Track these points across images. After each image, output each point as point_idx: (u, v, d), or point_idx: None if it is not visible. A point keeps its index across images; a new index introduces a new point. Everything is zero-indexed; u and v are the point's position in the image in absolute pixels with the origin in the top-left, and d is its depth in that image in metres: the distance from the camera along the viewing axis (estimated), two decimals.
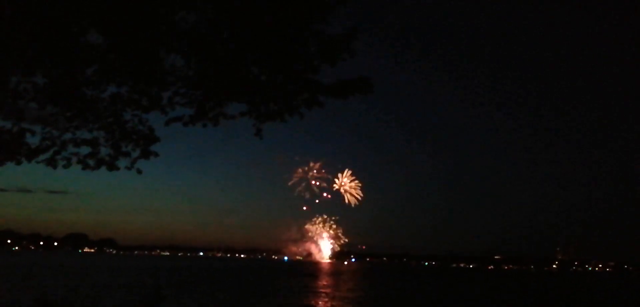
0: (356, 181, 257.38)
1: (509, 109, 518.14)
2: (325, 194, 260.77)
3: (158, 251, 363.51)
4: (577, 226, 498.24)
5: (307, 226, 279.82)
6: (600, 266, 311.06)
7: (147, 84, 6.88)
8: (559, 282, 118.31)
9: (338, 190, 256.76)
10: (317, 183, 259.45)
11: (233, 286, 54.72)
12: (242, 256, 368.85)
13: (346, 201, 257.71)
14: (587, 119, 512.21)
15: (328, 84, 6.79)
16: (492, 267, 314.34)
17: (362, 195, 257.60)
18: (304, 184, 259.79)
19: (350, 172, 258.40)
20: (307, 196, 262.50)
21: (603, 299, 63.73)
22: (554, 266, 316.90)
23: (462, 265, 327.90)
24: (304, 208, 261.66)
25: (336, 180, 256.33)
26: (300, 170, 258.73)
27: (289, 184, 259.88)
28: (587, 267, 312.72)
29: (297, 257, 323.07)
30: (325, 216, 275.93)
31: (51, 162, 7.42)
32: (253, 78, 6.77)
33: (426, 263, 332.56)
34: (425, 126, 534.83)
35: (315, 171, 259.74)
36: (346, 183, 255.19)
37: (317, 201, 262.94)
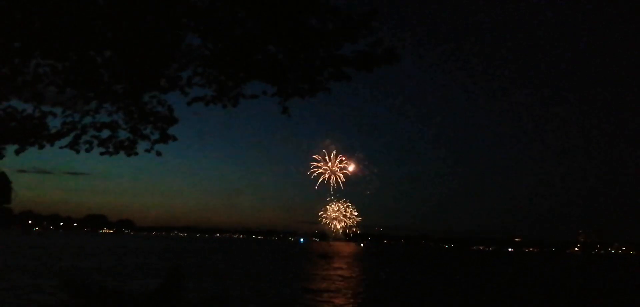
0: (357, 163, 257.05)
1: (531, 90, 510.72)
2: (340, 177, 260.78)
3: (175, 232, 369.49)
4: (599, 208, 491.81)
5: (323, 208, 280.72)
6: (624, 249, 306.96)
7: (164, 65, 6.80)
8: (582, 265, 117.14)
9: (349, 172, 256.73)
10: (333, 166, 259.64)
11: (247, 269, 55.16)
12: (259, 237, 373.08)
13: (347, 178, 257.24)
14: (609, 100, 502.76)
15: (352, 57, 6.64)
16: (512, 249, 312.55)
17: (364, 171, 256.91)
18: (320, 167, 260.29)
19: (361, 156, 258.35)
20: (324, 178, 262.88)
21: (627, 283, 62.93)
22: (576, 248, 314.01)
23: (481, 247, 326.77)
24: (316, 187, 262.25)
25: (342, 160, 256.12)
26: (317, 154, 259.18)
27: (306, 168, 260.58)
28: (610, 250, 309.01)
29: (313, 239, 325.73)
30: (340, 198, 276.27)
31: (73, 146, 7.43)
32: (272, 57, 6.66)
33: (446, 246, 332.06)
34: (444, 108, 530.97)
35: (332, 155, 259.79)
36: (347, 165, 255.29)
37: (332, 183, 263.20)
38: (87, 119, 7.40)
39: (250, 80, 6.99)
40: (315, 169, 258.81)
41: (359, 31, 6.37)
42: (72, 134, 7.39)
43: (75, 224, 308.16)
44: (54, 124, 7.34)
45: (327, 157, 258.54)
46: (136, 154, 7.67)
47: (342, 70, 6.68)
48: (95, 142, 7.47)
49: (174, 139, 7.75)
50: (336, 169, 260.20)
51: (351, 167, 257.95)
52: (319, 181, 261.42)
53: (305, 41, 6.54)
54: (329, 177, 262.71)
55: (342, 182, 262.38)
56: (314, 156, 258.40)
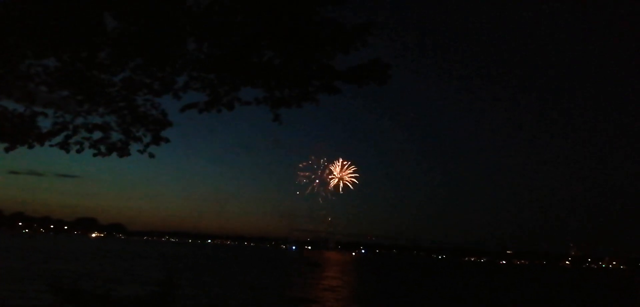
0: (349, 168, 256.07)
1: (523, 103, 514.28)
2: (331, 186, 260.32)
3: (167, 237, 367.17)
4: (591, 222, 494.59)
5: (315, 216, 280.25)
6: (614, 262, 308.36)
7: (159, 68, 6.75)
8: (574, 278, 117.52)
9: (337, 180, 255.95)
10: (324, 176, 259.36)
11: (237, 277, 54.82)
12: (251, 244, 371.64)
13: (340, 188, 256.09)
14: (601, 113, 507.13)
15: (343, 70, 6.65)
16: (503, 262, 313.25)
17: (354, 181, 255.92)
18: (311, 175, 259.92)
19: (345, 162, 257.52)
20: (314, 186, 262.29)
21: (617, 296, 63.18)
22: (567, 262, 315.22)
23: (473, 259, 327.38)
24: (306, 192, 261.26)
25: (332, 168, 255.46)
26: (307, 163, 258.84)
27: (298, 176, 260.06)
28: (601, 264, 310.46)
29: (305, 247, 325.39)
30: (331, 206, 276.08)
31: (64, 146, 7.35)
32: (267, 63, 6.63)
33: (439, 256, 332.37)
34: (437, 119, 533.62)
35: (321, 162, 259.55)
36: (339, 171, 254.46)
37: (322, 192, 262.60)
38: (79, 120, 7.34)
39: (245, 85, 6.97)
40: (305, 177, 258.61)
41: (352, 43, 6.37)
42: (62, 134, 7.32)
43: (65, 227, 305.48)
44: (45, 124, 7.28)
45: (316, 166, 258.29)
46: (129, 154, 7.62)
47: (332, 83, 6.68)
48: (87, 143, 7.40)
49: (167, 141, 7.71)
50: (327, 178, 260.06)
51: (341, 176, 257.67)
52: (309, 189, 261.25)
53: (301, 48, 6.52)
54: (320, 185, 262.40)
55: (333, 190, 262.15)
56: (303, 164, 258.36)
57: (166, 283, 8.29)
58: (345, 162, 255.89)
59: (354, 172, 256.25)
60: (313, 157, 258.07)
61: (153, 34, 6.18)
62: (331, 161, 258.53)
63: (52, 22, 5.95)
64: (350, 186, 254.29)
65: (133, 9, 5.99)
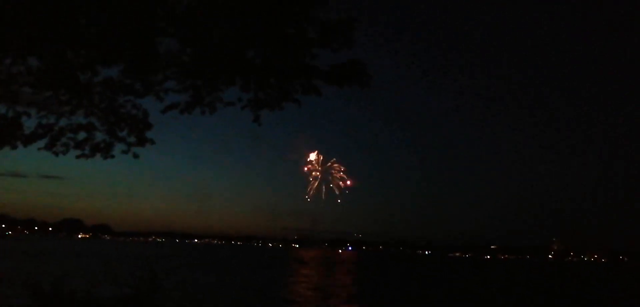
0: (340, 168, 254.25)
1: (507, 101, 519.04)
2: (315, 184, 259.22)
3: (153, 237, 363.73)
4: (573, 216, 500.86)
5: (301, 214, 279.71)
6: (596, 256, 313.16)
7: (141, 69, 6.77)
8: (555, 272, 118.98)
9: (323, 178, 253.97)
10: (315, 174, 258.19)
11: (223, 276, 54.62)
12: (238, 242, 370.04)
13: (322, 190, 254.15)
14: (582, 108, 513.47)
15: (325, 70, 6.72)
16: (488, 256, 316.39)
17: (346, 183, 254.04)
18: (302, 171, 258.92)
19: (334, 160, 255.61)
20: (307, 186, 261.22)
21: (598, 289, 64.17)
22: (550, 256, 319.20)
23: (458, 254, 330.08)
24: (290, 191, 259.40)
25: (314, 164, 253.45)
26: (289, 157, 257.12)
27: (284, 174, 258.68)
28: (583, 257, 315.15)
29: (293, 245, 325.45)
30: (318, 204, 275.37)
31: (49, 148, 7.33)
32: (249, 62, 6.68)
33: (427, 252, 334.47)
34: (421, 117, 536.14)
35: (314, 162, 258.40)
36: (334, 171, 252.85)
37: (310, 191, 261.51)
38: (63, 121, 7.33)
39: (227, 85, 7.00)
40: (289, 174, 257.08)
41: (336, 38, 6.42)
42: (47, 136, 7.30)
43: (50, 229, 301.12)
44: (29, 124, 7.25)
45: (300, 163, 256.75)
46: (113, 156, 7.62)
47: (312, 82, 6.74)
48: (71, 144, 7.39)
49: (152, 142, 7.70)
50: (314, 176, 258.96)
51: (324, 173, 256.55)
52: (290, 189, 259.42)
53: (284, 47, 6.57)
54: (310, 184, 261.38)
55: (320, 188, 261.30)
56: (287, 158, 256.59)
57: (148, 281, 8.30)
58: (336, 165, 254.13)
59: (344, 175, 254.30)
60: (293, 156, 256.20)
61: (132, 35, 6.20)
62: (316, 161, 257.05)
63: (29, 20, 5.94)
64: (337, 192, 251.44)
65: (110, 8, 6.00)
